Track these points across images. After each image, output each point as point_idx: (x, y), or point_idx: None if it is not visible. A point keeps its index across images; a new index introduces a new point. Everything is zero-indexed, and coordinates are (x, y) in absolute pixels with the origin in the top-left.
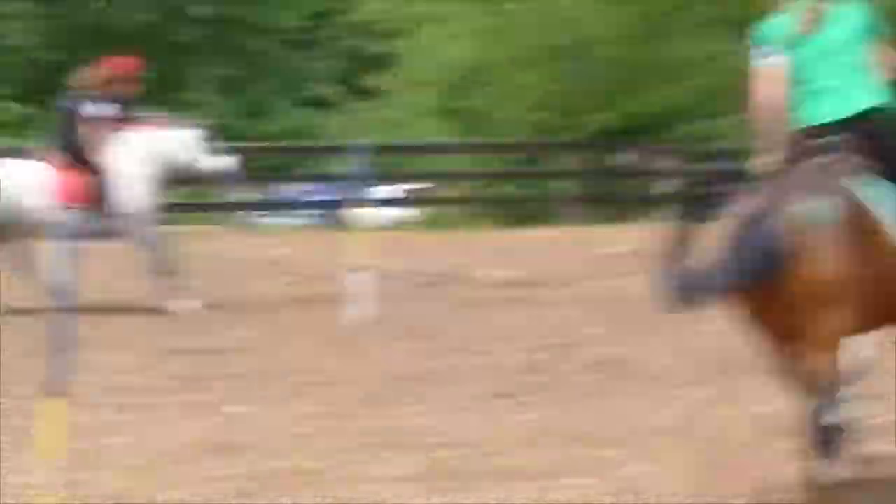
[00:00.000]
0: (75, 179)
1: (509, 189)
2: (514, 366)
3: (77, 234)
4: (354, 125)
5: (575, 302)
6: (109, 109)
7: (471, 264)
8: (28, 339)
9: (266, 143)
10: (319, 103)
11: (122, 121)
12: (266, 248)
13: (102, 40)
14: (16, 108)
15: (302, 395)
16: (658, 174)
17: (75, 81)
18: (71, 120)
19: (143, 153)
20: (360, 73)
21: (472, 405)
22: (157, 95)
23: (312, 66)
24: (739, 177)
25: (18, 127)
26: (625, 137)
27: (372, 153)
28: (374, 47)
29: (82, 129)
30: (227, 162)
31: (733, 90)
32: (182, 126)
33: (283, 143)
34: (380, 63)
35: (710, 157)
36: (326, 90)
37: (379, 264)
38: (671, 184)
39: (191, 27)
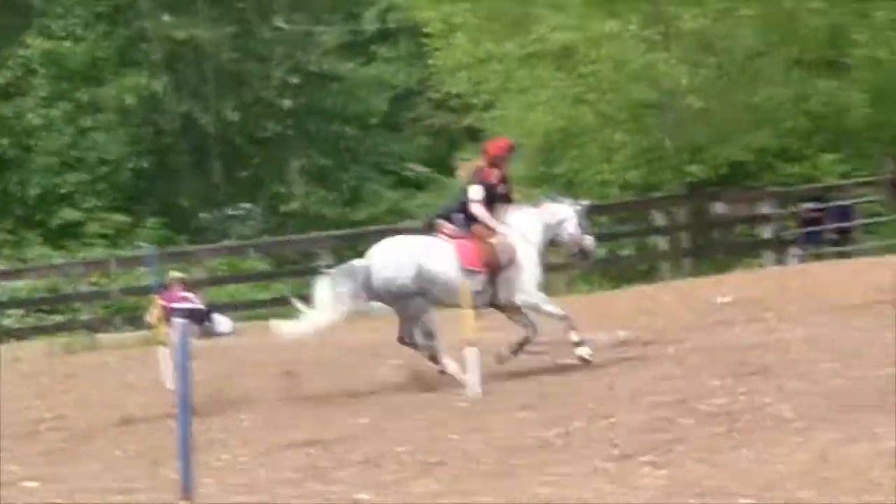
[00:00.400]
0: (471, 246)
1: (609, 249)
2: (637, 426)
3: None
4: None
5: (687, 355)
6: (481, 192)
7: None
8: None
9: (364, 228)
10: (412, 184)
11: (502, 198)
12: (373, 331)
13: (191, 142)
14: (116, 218)
15: (426, 475)
16: (756, 220)
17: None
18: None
19: (532, 226)
20: (451, 148)
21: (600, 469)
22: (252, 190)
23: (401, 148)
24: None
25: (116, 236)
26: (720, 186)
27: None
28: (461, 122)
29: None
30: (592, 241)
31: (822, 130)
32: (562, 202)
33: (381, 226)
34: (468, 137)
35: (806, 198)
36: (418, 169)
37: (488, 336)
38: (771, 228)
39: (278, 121)
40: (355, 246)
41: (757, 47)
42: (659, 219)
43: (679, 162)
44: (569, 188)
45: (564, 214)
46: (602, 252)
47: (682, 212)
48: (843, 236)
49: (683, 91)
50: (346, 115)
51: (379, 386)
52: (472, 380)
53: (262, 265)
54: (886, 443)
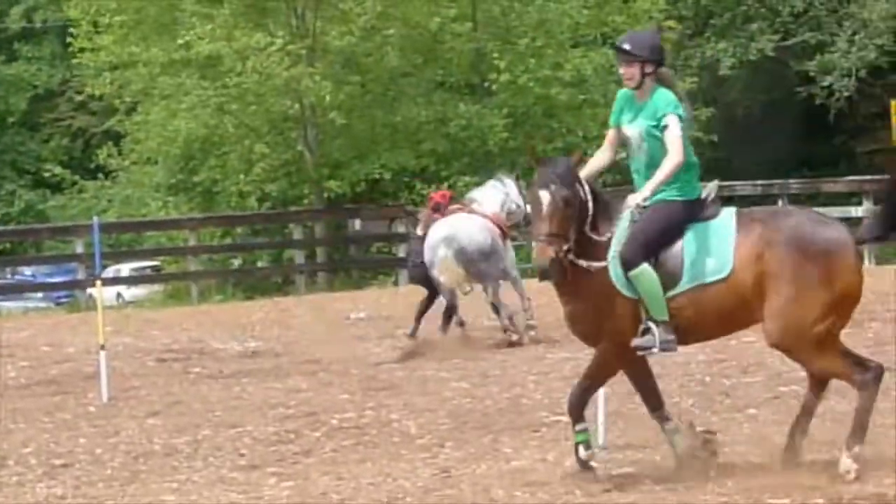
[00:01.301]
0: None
1: (245, 260)
2: (265, 437)
3: None
4: (87, 204)
5: (319, 369)
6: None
7: (211, 338)
8: None
9: None
10: (49, 184)
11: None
12: (4, 332)
13: None
14: None
15: (51, 477)
16: (392, 238)
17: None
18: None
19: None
20: (87, 151)
21: (227, 478)
22: None
23: (41, 148)
24: None
25: None
26: (358, 203)
27: (104, 232)
28: (102, 125)
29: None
30: None
31: (461, 153)
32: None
33: (15, 226)
34: (109, 141)
35: None
36: (56, 171)
37: (119, 342)
38: (406, 247)
39: None
40: None
41: (401, 67)
42: (296, 232)
43: (318, 177)
44: (207, 197)
45: (511, 189)
46: (237, 262)
47: (319, 226)
48: None
49: (326, 107)
50: None
51: (6, 387)
52: (101, 385)
53: None
54: (509, 463)
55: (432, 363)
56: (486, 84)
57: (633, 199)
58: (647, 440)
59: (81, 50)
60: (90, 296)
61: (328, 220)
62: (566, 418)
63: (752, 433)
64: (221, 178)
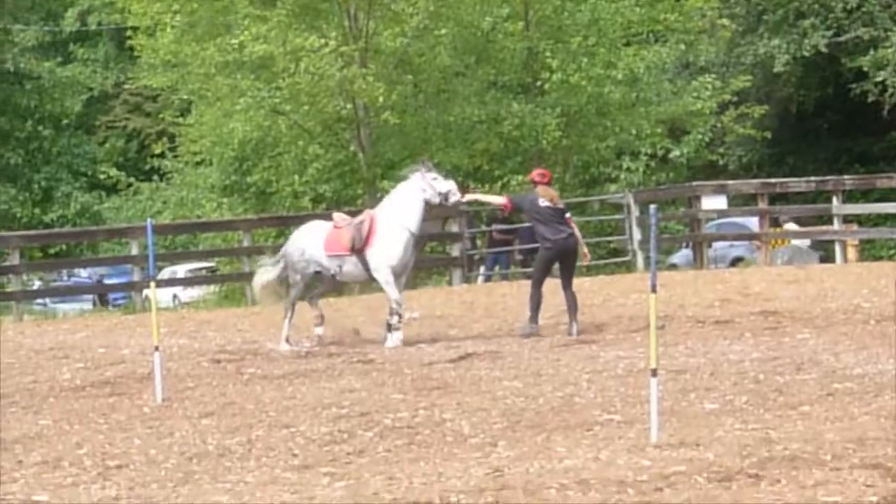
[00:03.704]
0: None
1: None
2: (319, 436)
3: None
4: (142, 206)
5: (372, 369)
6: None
7: (265, 338)
8: None
9: (54, 230)
10: (105, 186)
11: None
12: (60, 333)
13: None
14: None
15: (106, 478)
16: (446, 238)
17: None
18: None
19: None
20: (143, 153)
21: (280, 478)
22: None
23: (96, 150)
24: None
25: None
26: None
27: (159, 234)
28: (157, 126)
29: None
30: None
31: (514, 152)
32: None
33: (70, 228)
34: (162, 142)
35: (495, 219)
36: (111, 173)
37: (174, 343)
38: (460, 247)
39: None
40: (46, 246)
41: (454, 67)
42: None
43: (372, 176)
44: (261, 198)
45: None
46: None
47: None
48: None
49: (379, 107)
50: (40, 115)
51: (63, 388)
52: (156, 386)
53: None
54: (562, 462)
55: (486, 362)
56: (539, 83)
57: None
58: (699, 438)
59: (140, 47)
60: (146, 297)
61: None
62: (619, 417)
63: (806, 430)
64: (275, 179)
